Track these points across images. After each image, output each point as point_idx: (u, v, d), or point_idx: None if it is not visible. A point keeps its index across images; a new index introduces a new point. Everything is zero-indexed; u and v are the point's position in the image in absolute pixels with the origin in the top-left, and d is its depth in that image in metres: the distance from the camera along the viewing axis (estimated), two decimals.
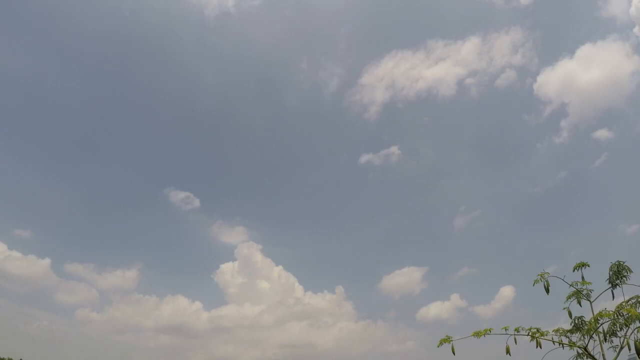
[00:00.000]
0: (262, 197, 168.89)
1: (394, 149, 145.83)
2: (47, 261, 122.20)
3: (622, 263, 12.40)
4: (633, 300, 11.68)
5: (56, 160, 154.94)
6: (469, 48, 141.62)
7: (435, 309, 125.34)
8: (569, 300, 13.02)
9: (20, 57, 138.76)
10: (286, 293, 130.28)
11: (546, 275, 12.73)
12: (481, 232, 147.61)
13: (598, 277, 13.10)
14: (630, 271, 12.31)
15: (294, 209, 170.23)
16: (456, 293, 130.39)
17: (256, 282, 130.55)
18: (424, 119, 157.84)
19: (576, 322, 12.77)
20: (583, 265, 12.94)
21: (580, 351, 12.52)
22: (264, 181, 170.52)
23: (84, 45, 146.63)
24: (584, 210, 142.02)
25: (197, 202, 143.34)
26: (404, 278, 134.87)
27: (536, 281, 12.83)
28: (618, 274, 12.32)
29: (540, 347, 12.47)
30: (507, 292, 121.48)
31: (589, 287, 12.84)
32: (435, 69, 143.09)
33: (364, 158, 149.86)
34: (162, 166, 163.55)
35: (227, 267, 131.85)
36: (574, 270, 13.12)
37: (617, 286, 12.43)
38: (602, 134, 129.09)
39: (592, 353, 12.20)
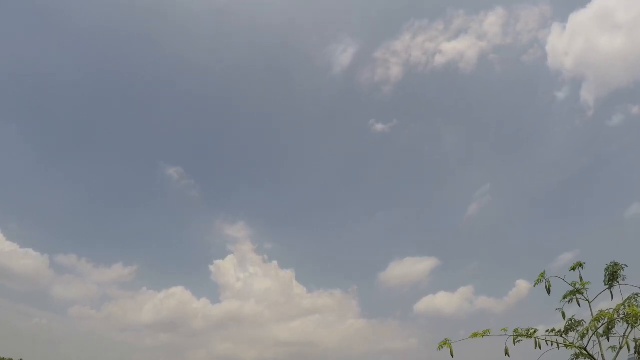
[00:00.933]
0: (266, 194, 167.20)
1: (406, 131, 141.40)
2: (39, 254, 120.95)
3: (617, 264, 12.38)
4: (633, 302, 11.65)
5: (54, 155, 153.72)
6: (493, 20, 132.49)
7: (443, 302, 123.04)
8: (565, 300, 13.00)
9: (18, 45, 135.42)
10: (285, 290, 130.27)
11: (547, 276, 12.69)
12: (495, 221, 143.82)
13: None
14: (625, 266, 12.30)
15: (297, 202, 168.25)
16: (467, 286, 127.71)
17: (256, 279, 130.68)
18: (441, 97, 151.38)
19: (570, 322, 12.77)
20: (580, 265, 12.92)
21: (579, 352, 12.49)
22: (267, 176, 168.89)
23: (82, 37, 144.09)
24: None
25: (198, 192, 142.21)
26: (412, 269, 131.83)
27: (537, 281, 12.78)
28: (614, 274, 12.30)
29: (540, 347, 12.43)
30: (522, 285, 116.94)
31: (587, 286, 12.81)
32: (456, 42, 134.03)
33: (375, 140, 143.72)
34: (163, 152, 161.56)
35: (224, 264, 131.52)
36: (570, 270, 13.09)
37: (614, 286, 12.42)
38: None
39: (591, 353, 12.17)
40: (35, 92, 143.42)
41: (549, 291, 12.78)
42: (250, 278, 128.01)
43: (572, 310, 13.12)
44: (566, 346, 12.48)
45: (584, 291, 12.73)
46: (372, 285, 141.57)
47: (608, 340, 12.14)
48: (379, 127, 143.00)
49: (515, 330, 12.43)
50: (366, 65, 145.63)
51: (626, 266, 12.72)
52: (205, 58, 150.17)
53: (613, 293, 12.58)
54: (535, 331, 12.33)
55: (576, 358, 12.67)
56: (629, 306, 11.26)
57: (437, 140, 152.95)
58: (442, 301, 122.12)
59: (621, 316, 11.49)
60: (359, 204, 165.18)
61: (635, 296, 12.06)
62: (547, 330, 12.86)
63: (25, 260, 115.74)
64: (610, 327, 11.89)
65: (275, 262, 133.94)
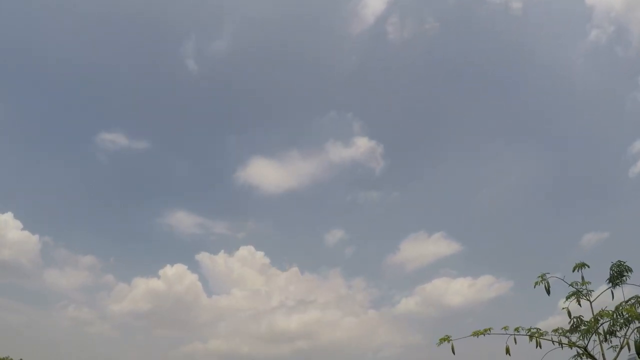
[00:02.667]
0: None
1: None
2: None
3: (623, 263, 12.49)
4: (633, 301, 11.72)
5: None
6: None
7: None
8: (568, 300, 13.09)
9: None
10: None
11: (547, 276, 12.81)
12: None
13: None
14: (631, 271, 12.40)
15: None
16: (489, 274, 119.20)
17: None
18: None
19: (575, 322, 12.86)
20: (583, 266, 13.03)
21: (580, 351, 12.55)
22: None
23: None
24: None
25: None
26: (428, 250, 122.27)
27: (536, 283, 12.89)
28: (619, 274, 12.40)
29: (540, 347, 12.51)
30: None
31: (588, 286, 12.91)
32: None
33: None
34: None
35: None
36: (573, 271, 13.20)
37: (618, 285, 12.51)
38: None
39: (592, 353, 12.23)
40: None
41: (548, 292, 12.88)
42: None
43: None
44: (569, 345, 12.56)
45: (586, 291, 12.82)
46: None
47: (607, 341, 12.21)
48: None
49: (516, 329, 12.54)
50: None
51: (632, 271, 12.79)
52: None
53: (615, 294, 12.66)
54: (537, 330, 12.44)
55: (577, 357, 12.72)
56: (630, 306, 11.36)
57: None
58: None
59: (621, 316, 11.59)
60: None
61: (638, 297, 12.14)
62: (553, 330, 12.97)
63: None
64: (611, 327, 11.98)
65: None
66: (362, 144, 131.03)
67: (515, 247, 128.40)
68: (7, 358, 68.97)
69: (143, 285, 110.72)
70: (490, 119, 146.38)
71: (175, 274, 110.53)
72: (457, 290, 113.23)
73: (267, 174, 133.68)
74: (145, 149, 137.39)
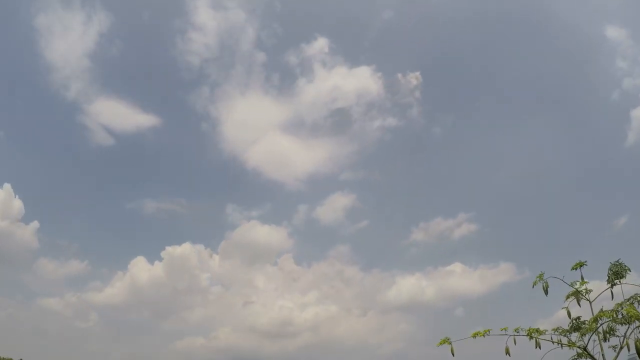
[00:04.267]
0: None
1: None
2: None
3: (621, 263, 12.42)
4: (632, 300, 11.68)
5: None
6: None
7: None
8: (568, 300, 13.05)
9: None
10: None
11: (545, 277, 12.74)
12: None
13: None
14: (629, 270, 12.33)
15: None
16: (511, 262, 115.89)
17: None
18: None
19: (574, 322, 12.82)
20: (582, 265, 12.95)
21: (579, 351, 12.53)
22: None
23: None
24: None
25: None
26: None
27: (534, 283, 12.83)
28: (617, 274, 12.33)
29: (540, 347, 12.47)
30: None
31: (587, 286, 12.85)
32: None
33: None
34: None
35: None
36: (572, 270, 13.12)
37: (616, 285, 12.45)
38: None
39: (591, 353, 12.20)
40: None
41: (546, 292, 12.82)
42: None
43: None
44: (569, 346, 12.53)
45: (585, 291, 12.77)
46: None
47: (606, 340, 12.18)
48: None
49: (516, 330, 12.48)
50: None
51: (630, 271, 12.72)
52: None
53: (615, 294, 12.60)
54: (537, 330, 12.38)
55: (578, 358, 12.70)
56: (630, 305, 11.32)
57: None
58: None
59: (620, 317, 11.55)
60: None
61: (637, 296, 12.10)
62: (553, 329, 12.93)
63: None
64: (611, 327, 11.96)
65: None
66: None
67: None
68: (7, 358, 69.01)
69: None
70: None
71: None
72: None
73: None
74: None
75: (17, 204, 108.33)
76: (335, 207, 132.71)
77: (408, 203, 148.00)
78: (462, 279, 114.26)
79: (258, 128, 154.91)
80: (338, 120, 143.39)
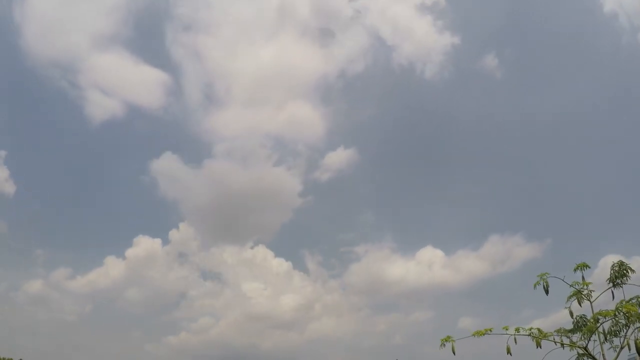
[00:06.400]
0: None
1: None
2: None
3: (624, 263, 12.46)
4: (634, 300, 11.69)
5: None
6: None
7: None
8: (569, 300, 13.06)
9: None
10: None
11: (546, 276, 12.78)
12: None
13: None
14: (633, 271, 12.35)
15: None
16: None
17: None
18: None
19: (577, 321, 12.82)
20: (584, 266, 13.00)
21: (580, 351, 12.53)
22: None
23: None
24: None
25: None
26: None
27: (536, 283, 12.85)
28: (619, 274, 12.36)
29: (540, 347, 12.49)
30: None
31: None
32: None
33: None
34: None
35: None
36: (574, 271, 13.16)
37: (618, 286, 12.47)
38: None
39: (592, 353, 12.21)
40: None
41: (547, 291, 12.84)
42: None
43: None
44: (570, 346, 12.53)
45: (587, 291, 12.79)
46: None
47: (606, 340, 12.19)
48: None
49: (517, 330, 12.51)
50: None
51: (633, 271, 12.74)
52: None
53: (616, 294, 12.63)
54: (538, 330, 12.40)
55: (578, 357, 12.70)
56: (631, 305, 11.32)
57: None
58: None
59: (621, 316, 11.57)
60: None
61: (638, 297, 12.11)
62: (555, 330, 12.95)
63: None
64: (612, 327, 11.97)
65: None
66: None
67: None
68: (7, 358, 69.05)
69: None
70: None
71: None
72: None
73: None
74: None
75: None
76: None
77: None
78: None
79: None
80: None
